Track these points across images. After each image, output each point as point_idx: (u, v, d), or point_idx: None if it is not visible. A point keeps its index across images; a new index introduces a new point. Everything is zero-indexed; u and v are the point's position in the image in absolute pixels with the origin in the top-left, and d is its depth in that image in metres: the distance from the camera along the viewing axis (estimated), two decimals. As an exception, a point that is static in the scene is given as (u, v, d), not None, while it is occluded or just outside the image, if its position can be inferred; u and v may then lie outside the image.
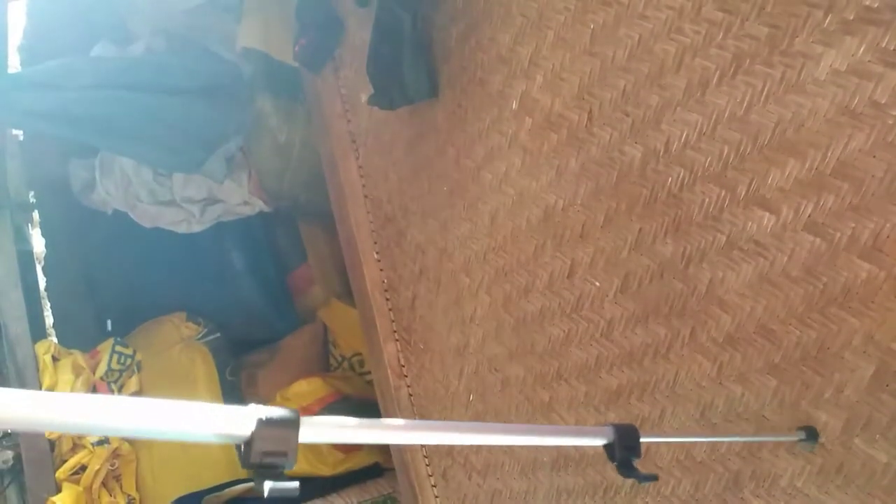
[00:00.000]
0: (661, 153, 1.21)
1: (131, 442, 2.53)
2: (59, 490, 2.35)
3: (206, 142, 2.21)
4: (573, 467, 1.46)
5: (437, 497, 1.93)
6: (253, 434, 0.49)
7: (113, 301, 2.86)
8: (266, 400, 2.55)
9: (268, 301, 2.70)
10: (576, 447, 1.45)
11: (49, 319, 2.99)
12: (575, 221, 1.39)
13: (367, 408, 2.33)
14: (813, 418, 1.04)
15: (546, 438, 0.86)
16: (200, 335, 2.69)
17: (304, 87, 2.27)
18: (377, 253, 2.05)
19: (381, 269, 2.05)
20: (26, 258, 2.69)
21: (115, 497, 2.45)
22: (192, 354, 2.61)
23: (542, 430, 0.93)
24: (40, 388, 2.42)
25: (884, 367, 0.96)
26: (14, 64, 2.49)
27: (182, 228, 2.49)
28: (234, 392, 2.61)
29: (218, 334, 2.72)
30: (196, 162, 2.24)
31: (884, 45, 0.92)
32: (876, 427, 0.97)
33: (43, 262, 2.90)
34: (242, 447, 0.51)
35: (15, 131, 2.62)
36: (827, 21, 0.98)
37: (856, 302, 0.98)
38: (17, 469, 2.50)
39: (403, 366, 2.00)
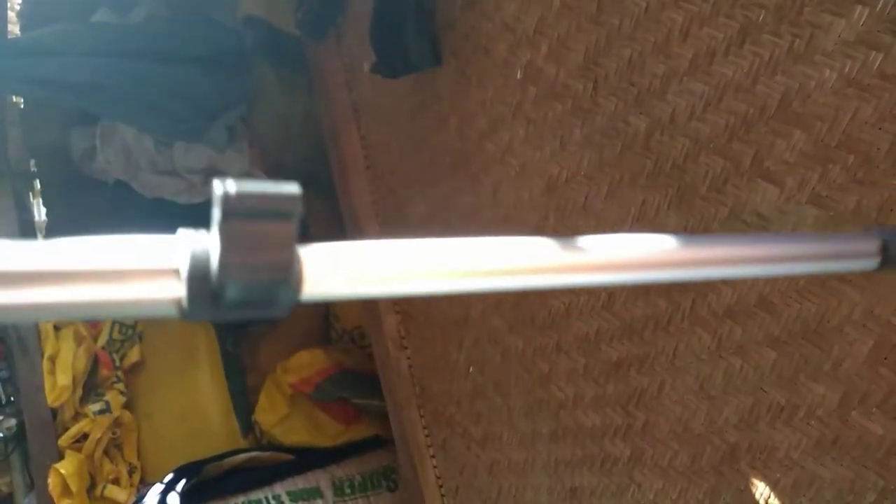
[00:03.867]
0: (667, 124, 1.20)
1: (132, 411, 2.55)
2: (61, 457, 2.37)
3: (206, 110, 2.20)
4: (571, 438, 1.47)
5: (435, 468, 1.94)
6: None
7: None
8: (267, 371, 2.57)
9: (269, 273, 2.70)
10: (574, 419, 1.45)
11: (51, 289, 2.99)
12: (578, 193, 1.39)
13: (368, 380, 2.34)
14: (811, 391, 1.04)
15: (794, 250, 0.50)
16: (202, 306, 2.70)
17: (305, 56, 2.24)
18: (379, 225, 2.05)
19: (383, 241, 2.04)
20: (28, 227, 2.69)
21: (116, 465, 2.48)
22: (194, 325, 2.62)
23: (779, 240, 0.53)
24: (42, 357, 2.44)
25: (882, 341, 0.95)
26: (13, 30, 2.47)
27: (183, 199, 2.48)
28: (235, 363, 2.63)
29: (219, 305, 2.73)
30: (196, 130, 2.22)
31: (894, 14, 0.91)
32: (873, 400, 0.97)
33: (44, 232, 2.89)
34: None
35: (15, 99, 2.60)
36: (838, -11, 0.96)
37: (857, 275, 0.97)
38: (20, 436, 2.53)
39: (404, 337, 2.01)
